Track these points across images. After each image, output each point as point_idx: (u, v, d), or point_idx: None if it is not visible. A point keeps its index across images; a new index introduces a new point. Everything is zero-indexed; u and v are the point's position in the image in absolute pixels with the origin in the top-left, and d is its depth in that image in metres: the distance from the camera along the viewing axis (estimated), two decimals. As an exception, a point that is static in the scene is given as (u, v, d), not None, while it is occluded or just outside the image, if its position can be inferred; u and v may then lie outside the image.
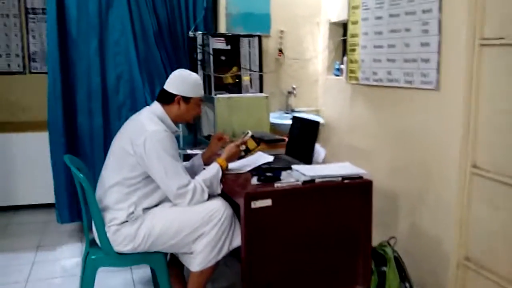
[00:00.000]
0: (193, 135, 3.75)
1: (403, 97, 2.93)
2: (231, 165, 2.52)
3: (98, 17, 3.53)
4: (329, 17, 3.93)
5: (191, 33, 3.62)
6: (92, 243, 2.37)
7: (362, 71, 3.30)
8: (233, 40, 3.49)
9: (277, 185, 2.20)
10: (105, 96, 3.63)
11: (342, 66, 3.70)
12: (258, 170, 2.45)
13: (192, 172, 2.50)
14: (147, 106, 2.49)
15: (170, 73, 3.43)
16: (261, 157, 2.65)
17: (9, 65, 5.14)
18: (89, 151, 3.65)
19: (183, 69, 2.53)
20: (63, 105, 3.52)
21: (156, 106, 2.44)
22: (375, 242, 2.50)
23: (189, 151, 3.04)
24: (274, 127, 3.66)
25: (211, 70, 3.43)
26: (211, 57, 3.42)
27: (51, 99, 3.50)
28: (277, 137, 2.99)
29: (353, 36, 3.41)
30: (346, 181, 2.28)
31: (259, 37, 3.56)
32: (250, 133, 2.61)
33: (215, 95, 3.40)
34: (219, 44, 3.43)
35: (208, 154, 2.68)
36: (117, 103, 3.65)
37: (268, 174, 2.30)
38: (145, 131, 2.28)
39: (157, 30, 3.61)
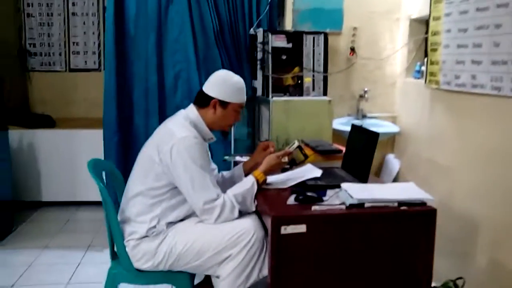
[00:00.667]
0: (250, 140, 3.48)
1: (489, 106, 2.42)
2: (272, 179, 2.21)
3: (157, 14, 3.38)
4: (409, 12, 3.45)
5: (252, 31, 3.35)
6: (115, 255, 2.18)
7: (443, 74, 2.81)
8: (296, 37, 3.16)
9: (315, 208, 1.85)
10: (162, 96, 3.48)
11: (424, 68, 3.22)
12: (300, 187, 2.11)
13: (232, 183, 2.22)
14: (182, 110, 2.25)
15: None
16: (309, 171, 2.31)
17: (86, 62, 5.24)
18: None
19: (226, 70, 2.27)
20: (117, 104, 3.42)
21: (191, 110, 2.20)
22: (441, 276, 2.06)
23: (238, 158, 2.77)
24: (338, 134, 3.27)
25: (269, 70, 3.13)
26: (270, 56, 3.11)
27: (107, 97, 3.42)
28: (334, 147, 2.62)
29: (434, 33, 2.93)
30: (403, 207, 1.87)
31: (325, 34, 3.19)
32: (296, 144, 2.28)
33: (272, 97, 3.09)
34: (279, 42, 3.12)
35: (250, 164, 2.39)
36: (175, 103, 3.48)
37: (310, 193, 1.95)
38: (173, 137, 2.04)
39: (217, 28, 3.39)
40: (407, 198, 1.90)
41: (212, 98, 2.15)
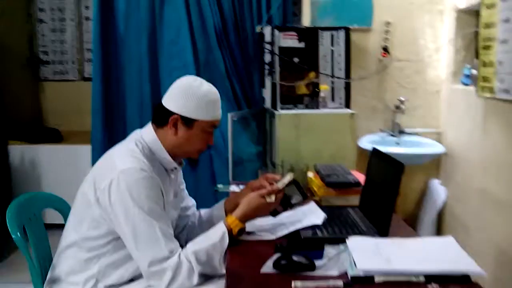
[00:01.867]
0: (260, 162, 2.89)
1: None
2: (257, 224, 1.62)
3: (150, 11, 2.87)
4: (455, 2, 2.75)
5: (258, 28, 2.77)
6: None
7: (500, 79, 2.12)
8: (309, 35, 2.55)
9: (296, 285, 1.23)
10: (157, 108, 2.95)
11: (474, 72, 2.53)
12: (291, 239, 1.51)
13: (209, 227, 1.66)
14: (138, 130, 1.69)
15: (236, 81, 2.69)
16: (309, 214, 1.70)
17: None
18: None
19: (194, 77, 1.67)
20: (105, 119, 2.94)
21: (146, 130, 1.64)
22: None
23: (234, 188, 2.19)
24: (367, 155, 2.63)
25: (277, 75, 2.54)
26: (277, 58, 2.52)
27: (94, 111, 2.94)
28: (350, 177, 1.98)
29: (487, 26, 2.24)
30: (434, 285, 1.23)
31: (347, 29, 2.56)
32: (288, 177, 1.67)
33: (280, 109, 2.50)
34: (289, 41, 2.53)
35: (234, 201, 1.80)
36: (172, 117, 2.95)
37: (296, 257, 1.34)
38: (113, 170, 1.48)
39: (220, 26, 2.84)
40: (440, 270, 1.26)
41: (171, 113, 1.58)
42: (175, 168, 1.65)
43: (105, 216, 1.49)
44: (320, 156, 2.34)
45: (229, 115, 2.61)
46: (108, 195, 1.46)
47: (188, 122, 1.57)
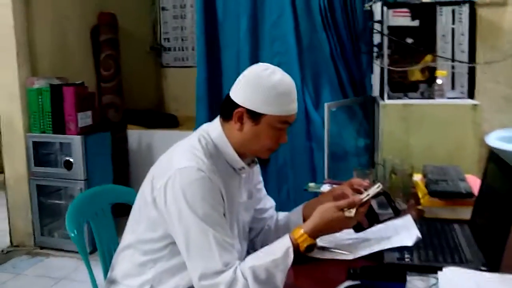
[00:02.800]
0: (367, 156, 2.57)
1: None
2: (339, 235, 1.37)
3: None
4: None
5: (367, 6, 2.43)
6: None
7: None
8: (425, 11, 2.16)
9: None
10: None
11: None
12: (362, 268, 1.22)
13: (286, 233, 1.45)
14: (205, 124, 1.52)
15: (342, 66, 2.42)
16: (400, 231, 1.39)
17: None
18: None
19: (266, 64, 1.43)
20: (208, 105, 2.84)
21: (213, 124, 1.47)
22: None
23: (326, 188, 1.93)
24: (500, 154, 2.17)
25: (384, 59, 2.20)
26: (386, 39, 2.18)
27: (199, 97, 2.87)
28: (463, 185, 1.59)
29: None
30: None
31: (471, 3, 2.12)
32: (376, 188, 1.36)
33: (387, 98, 2.16)
34: (400, 18, 2.16)
35: (313, 207, 1.54)
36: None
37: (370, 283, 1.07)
38: (170, 168, 1.33)
39: (325, 5, 2.56)
40: None
41: (236, 106, 1.38)
42: (243, 168, 1.45)
43: (161, 218, 1.35)
44: (433, 156, 1.97)
45: (326, 105, 2.33)
46: (164, 195, 1.32)
47: (254, 116, 1.36)
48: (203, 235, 1.26)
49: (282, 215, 1.67)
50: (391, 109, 2.11)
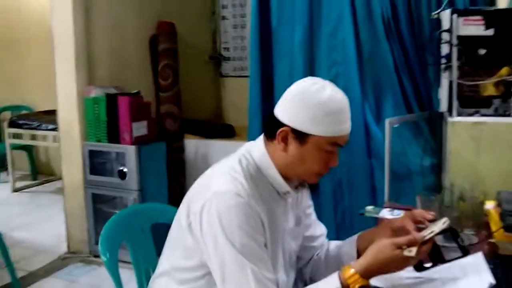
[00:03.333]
0: (433, 176, 2.35)
1: None
2: (395, 275, 1.19)
3: (307, 0, 2.55)
4: None
5: (434, 14, 2.22)
6: None
7: None
8: (501, 19, 1.93)
9: None
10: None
11: None
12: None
13: (337, 265, 1.31)
14: (249, 142, 1.40)
15: (406, 77, 2.24)
16: (468, 273, 1.20)
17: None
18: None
19: (315, 78, 1.30)
20: (262, 119, 2.73)
21: (257, 143, 1.34)
22: None
23: (385, 214, 1.75)
24: None
25: (453, 71, 1.98)
26: (455, 50, 1.96)
27: (251, 108, 2.76)
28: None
29: None
30: None
31: (558, 9, 1.87)
32: (442, 224, 1.17)
33: (456, 115, 1.95)
34: (471, 27, 1.94)
35: (370, 239, 1.38)
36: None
37: None
38: (207, 191, 1.23)
39: (389, 13, 2.38)
40: None
41: (281, 124, 1.25)
42: (288, 192, 1.31)
43: (197, 245, 1.24)
44: (508, 181, 1.74)
45: (387, 121, 2.14)
46: (200, 220, 1.21)
47: (300, 136, 1.22)
48: (240, 269, 1.14)
49: (333, 244, 1.51)
50: (461, 127, 1.90)
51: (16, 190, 5.08)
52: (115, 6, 3.55)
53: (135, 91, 3.33)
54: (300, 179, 1.32)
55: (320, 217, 2.63)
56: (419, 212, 1.29)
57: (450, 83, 2.04)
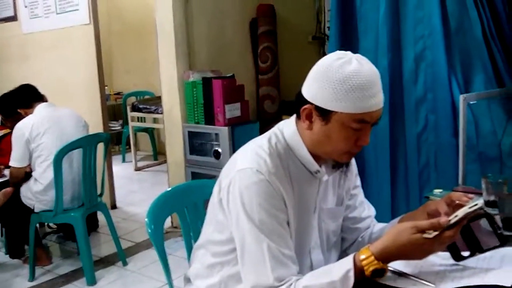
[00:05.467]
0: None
1: None
2: (427, 261, 1.13)
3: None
4: None
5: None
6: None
7: None
8: None
9: None
10: (396, 87, 2.51)
11: None
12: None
13: None
14: (282, 121, 1.39)
15: (498, 49, 2.07)
16: (504, 265, 1.08)
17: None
18: (372, 160, 2.65)
19: (341, 53, 1.23)
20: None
21: (289, 121, 1.34)
22: None
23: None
24: None
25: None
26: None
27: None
28: None
29: None
30: None
31: None
32: (474, 204, 1.07)
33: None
34: None
35: (409, 220, 1.30)
36: (414, 97, 2.47)
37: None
38: (234, 168, 1.26)
39: (478, -23, 2.16)
40: None
41: (305, 102, 1.23)
42: (318, 171, 1.29)
43: (226, 220, 1.29)
44: None
45: (461, 97, 1.95)
46: (227, 197, 1.26)
47: (323, 113, 1.20)
48: (258, 244, 1.16)
49: (378, 226, 1.46)
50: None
51: (137, 169, 5.58)
52: (215, -6, 3.69)
53: (229, 74, 3.44)
54: (329, 158, 1.29)
55: (407, 198, 2.51)
56: (457, 195, 1.19)
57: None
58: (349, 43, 2.59)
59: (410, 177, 2.52)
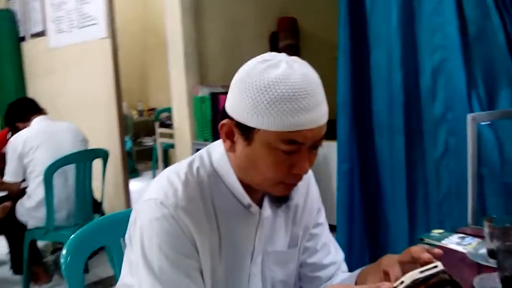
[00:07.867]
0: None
1: None
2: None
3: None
4: None
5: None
6: None
7: None
8: None
9: None
10: (411, 103, 2.18)
11: None
12: None
13: None
14: (217, 141, 1.12)
15: None
16: None
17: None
18: (388, 185, 2.32)
19: (268, 54, 0.96)
20: (351, 115, 2.37)
21: (219, 143, 1.07)
22: None
23: (453, 243, 1.29)
24: None
25: None
26: None
27: (339, 102, 2.41)
28: None
29: None
30: None
31: None
32: (432, 267, 0.76)
33: None
34: None
35: (365, 275, 1.00)
36: (432, 116, 2.13)
37: None
38: (142, 198, 1.01)
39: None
40: None
41: (225, 116, 0.96)
42: (250, 206, 1.01)
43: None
44: None
45: (469, 117, 1.60)
46: (133, 233, 1.01)
47: (244, 131, 0.92)
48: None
49: (342, 276, 1.16)
50: None
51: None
52: (229, 5, 3.50)
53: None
54: (262, 190, 1.00)
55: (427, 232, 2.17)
56: (416, 250, 0.87)
57: None
58: (360, 53, 2.31)
59: (430, 208, 2.18)
